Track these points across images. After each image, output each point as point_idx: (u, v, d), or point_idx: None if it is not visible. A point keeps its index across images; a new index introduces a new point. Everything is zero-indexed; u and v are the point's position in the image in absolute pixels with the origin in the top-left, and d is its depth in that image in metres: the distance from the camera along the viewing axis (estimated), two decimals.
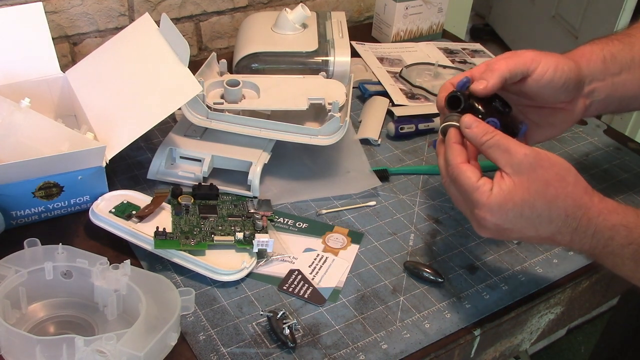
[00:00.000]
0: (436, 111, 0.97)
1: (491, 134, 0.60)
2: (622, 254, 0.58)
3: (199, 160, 0.81)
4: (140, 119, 0.77)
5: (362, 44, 1.17)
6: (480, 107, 0.65)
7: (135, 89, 0.81)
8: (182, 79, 0.78)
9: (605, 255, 0.59)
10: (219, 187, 0.79)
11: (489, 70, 0.65)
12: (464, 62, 1.14)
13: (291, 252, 0.74)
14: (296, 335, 0.63)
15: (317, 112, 0.87)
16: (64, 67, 0.88)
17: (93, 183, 0.75)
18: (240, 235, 0.71)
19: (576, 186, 0.59)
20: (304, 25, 1.03)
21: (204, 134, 0.83)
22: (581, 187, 0.59)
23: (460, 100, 0.65)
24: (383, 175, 0.85)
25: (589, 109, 0.72)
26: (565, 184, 0.58)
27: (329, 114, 0.81)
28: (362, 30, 1.24)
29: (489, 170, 0.62)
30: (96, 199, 0.74)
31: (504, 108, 0.68)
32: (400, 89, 1.04)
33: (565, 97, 0.69)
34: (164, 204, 0.75)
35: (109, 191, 0.76)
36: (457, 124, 0.64)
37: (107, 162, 0.75)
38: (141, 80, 0.82)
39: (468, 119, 0.62)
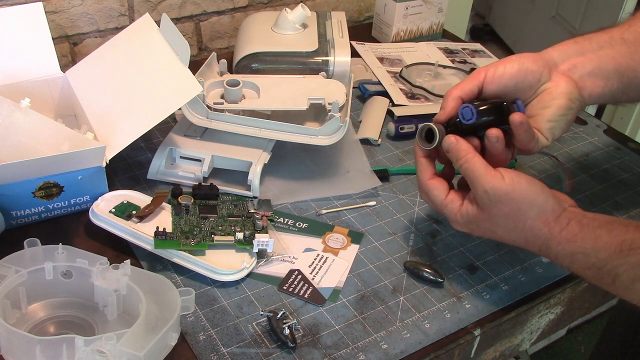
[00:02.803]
0: (436, 111, 0.97)
1: (464, 162, 0.65)
2: (585, 275, 0.62)
3: (199, 160, 0.81)
4: (140, 119, 0.77)
5: (362, 44, 1.17)
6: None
7: (135, 89, 0.81)
8: (182, 79, 0.78)
9: (573, 272, 0.64)
10: (219, 187, 0.79)
11: (444, 100, 0.70)
12: (464, 62, 1.14)
13: (291, 252, 0.74)
14: (296, 335, 0.63)
15: (317, 112, 0.87)
16: (64, 67, 0.88)
17: (93, 183, 0.75)
18: (240, 235, 0.71)
19: (536, 219, 0.62)
20: (304, 25, 1.03)
21: (204, 134, 0.83)
22: (541, 220, 0.62)
23: (434, 134, 0.68)
24: (383, 175, 0.85)
25: (584, 86, 0.70)
26: (524, 218, 0.62)
27: (329, 114, 0.81)
28: (362, 30, 1.24)
29: None
30: (96, 199, 0.74)
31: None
32: (400, 89, 1.04)
33: (534, 78, 0.69)
34: (164, 204, 0.75)
35: (109, 191, 0.76)
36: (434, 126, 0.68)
37: (107, 162, 0.75)
38: (141, 80, 0.82)
39: (448, 141, 0.66)
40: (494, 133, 0.65)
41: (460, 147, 0.65)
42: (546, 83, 0.70)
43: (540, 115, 0.69)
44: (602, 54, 0.71)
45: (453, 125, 0.68)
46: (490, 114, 0.66)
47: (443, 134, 0.67)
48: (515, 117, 0.65)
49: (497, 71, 0.69)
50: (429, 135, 0.68)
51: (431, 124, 0.68)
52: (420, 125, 0.69)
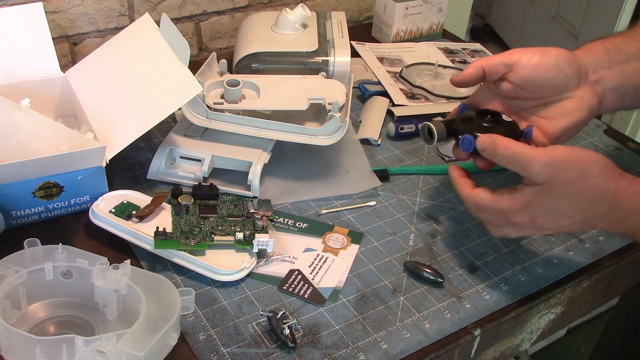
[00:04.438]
0: (436, 111, 0.97)
1: (505, 151, 0.62)
2: None
3: (199, 160, 0.81)
4: (140, 119, 0.77)
5: (362, 44, 1.17)
6: (462, 126, 0.69)
7: (135, 89, 0.81)
8: (182, 79, 0.78)
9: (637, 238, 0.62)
10: (219, 187, 0.79)
11: (469, 66, 0.69)
12: (464, 62, 1.14)
13: (291, 252, 0.74)
14: (296, 335, 0.63)
15: (317, 112, 0.87)
16: (64, 67, 0.88)
17: (93, 183, 0.75)
18: (240, 235, 0.71)
19: (601, 177, 0.60)
20: (304, 25, 1.03)
21: (204, 134, 0.83)
22: (607, 176, 0.60)
23: (432, 132, 0.70)
24: (383, 175, 0.85)
25: (604, 99, 0.71)
26: (587, 178, 0.59)
27: (329, 114, 0.81)
28: (362, 30, 1.24)
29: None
30: (96, 199, 0.74)
31: (495, 118, 0.69)
32: (400, 89, 1.04)
33: (564, 81, 0.68)
34: (164, 204, 0.75)
35: (109, 191, 0.76)
36: (433, 126, 0.70)
37: (107, 162, 0.75)
38: (141, 80, 0.82)
39: (481, 141, 0.65)
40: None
41: (495, 141, 0.63)
42: (573, 91, 0.69)
43: (558, 121, 0.69)
44: (627, 68, 0.70)
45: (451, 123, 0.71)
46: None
47: (443, 130, 0.70)
48: (479, 143, 0.66)
49: (533, 59, 0.67)
50: (431, 133, 0.71)
51: (430, 123, 0.70)
52: (420, 125, 0.71)
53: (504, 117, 0.69)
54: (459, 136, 0.69)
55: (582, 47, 0.72)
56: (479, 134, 0.66)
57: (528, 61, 0.67)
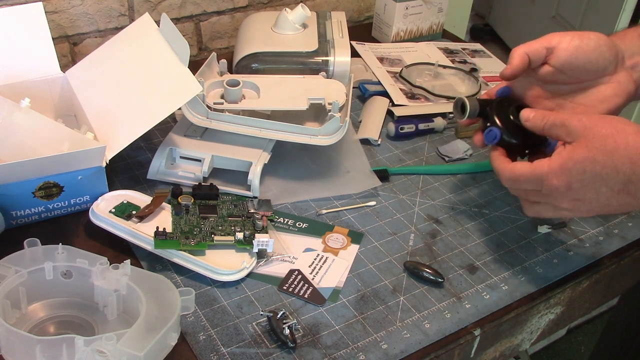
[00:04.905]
0: (436, 111, 0.97)
1: (546, 118, 0.63)
2: None
3: (199, 160, 0.81)
4: (140, 119, 0.77)
5: (362, 44, 1.17)
6: (494, 116, 0.70)
7: (135, 89, 0.81)
8: (182, 79, 0.78)
9: None
10: (219, 187, 0.79)
11: (510, 56, 0.69)
12: (464, 62, 1.14)
13: (291, 252, 0.74)
14: (296, 335, 0.63)
15: (317, 112, 0.87)
16: (64, 67, 0.88)
17: (93, 183, 0.75)
18: (240, 235, 0.71)
19: (637, 134, 0.59)
20: (304, 25, 1.03)
21: (204, 134, 0.83)
22: None
23: (465, 107, 0.71)
24: (383, 175, 0.85)
25: (638, 87, 0.70)
26: (624, 134, 0.59)
27: (329, 114, 0.81)
28: (362, 30, 1.24)
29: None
30: (96, 199, 0.74)
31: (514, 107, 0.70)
32: (400, 89, 1.04)
33: (603, 65, 0.68)
34: (164, 204, 0.75)
35: (109, 191, 0.76)
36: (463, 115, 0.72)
37: (107, 162, 0.75)
38: (141, 80, 0.82)
39: (526, 113, 0.66)
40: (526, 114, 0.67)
41: (537, 114, 0.65)
42: (611, 75, 0.69)
43: (595, 108, 0.69)
44: None
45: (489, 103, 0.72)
46: (513, 141, 0.69)
47: (476, 109, 0.71)
48: (524, 114, 0.67)
49: (573, 42, 0.67)
50: (464, 108, 0.72)
51: (465, 98, 0.71)
52: (456, 99, 0.72)
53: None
54: (487, 124, 0.70)
55: (616, 33, 0.72)
56: (504, 129, 0.68)
57: (568, 44, 0.67)
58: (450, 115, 0.96)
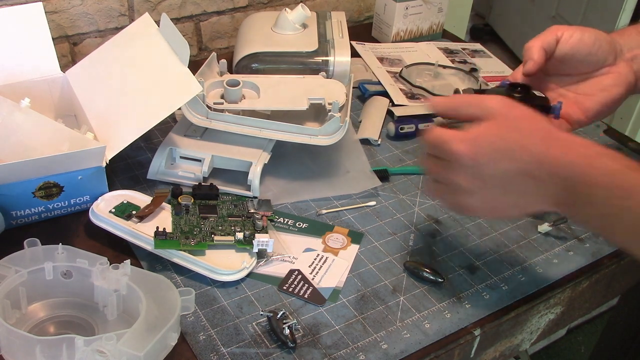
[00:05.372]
0: None
1: (461, 97, 0.63)
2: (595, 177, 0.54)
3: (199, 160, 0.81)
4: (140, 118, 0.77)
5: (362, 44, 1.17)
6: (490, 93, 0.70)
7: (135, 89, 0.81)
8: (182, 78, 0.78)
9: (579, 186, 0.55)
10: (219, 187, 0.79)
11: (528, 51, 0.69)
12: (464, 62, 1.14)
13: (291, 252, 0.74)
14: (296, 335, 0.63)
15: (317, 112, 0.87)
16: (64, 67, 0.88)
17: (93, 183, 0.75)
18: (240, 235, 0.71)
19: (550, 124, 0.58)
20: (304, 25, 1.03)
21: (204, 134, 0.83)
22: (554, 126, 0.58)
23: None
24: (383, 175, 0.85)
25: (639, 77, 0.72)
26: (537, 121, 0.58)
27: (329, 114, 0.81)
28: (362, 30, 1.24)
29: None
30: (96, 199, 0.74)
31: (524, 91, 0.70)
32: (400, 89, 1.04)
33: (603, 56, 0.70)
34: (164, 204, 0.75)
35: (109, 191, 0.76)
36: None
37: (107, 162, 0.75)
38: (141, 80, 0.82)
39: (434, 100, 0.63)
40: None
41: (448, 96, 0.65)
42: (610, 66, 0.71)
43: (596, 96, 0.70)
44: None
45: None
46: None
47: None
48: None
49: (575, 35, 0.69)
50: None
51: (460, 89, 0.73)
52: (454, 89, 0.74)
53: (535, 91, 0.70)
54: None
55: (615, 31, 0.74)
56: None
57: (570, 36, 0.69)
58: None
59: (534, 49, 0.69)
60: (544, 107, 0.68)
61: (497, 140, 0.57)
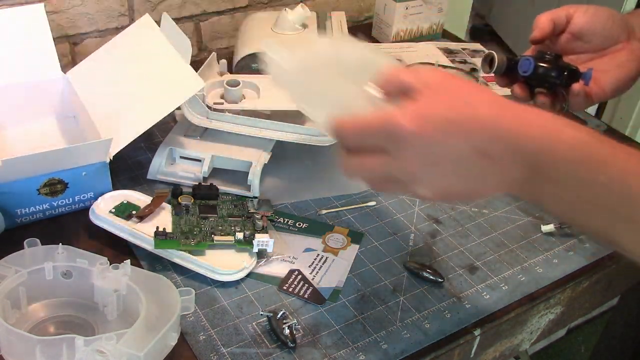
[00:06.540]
0: None
1: (412, 67, 0.62)
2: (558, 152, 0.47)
3: (199, 160, 0.81)
4: (143, 115, 0.77)
5: None
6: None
7: (137, 86, 0.81)
8: (184, 75, 0.78)
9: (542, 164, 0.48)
10: (219, 187, 0.79)
11: (536, 21, 0.72)
12: (464, 62, 1.14)
13: (291, 252, 0.74)
14: (296, 335, 0.63)
15: None
16: (64, 67, 0.88)
17: (97, 179, 0.75)
18: (240, 235, 0.71)
19: (493, 93, 0.50)
20: (304, 25, 1.03)
21: (204, 134, 0.83)
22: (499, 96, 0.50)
23: (493, 62, 0.72)
24: None
25: None
26: (483, 90, 0.50)
27: None
28: (362, 30, 1.24)
29: None
30: (100, 195, 0.74)
31: (552, 56, 0.71)
32: None
33: (617, 32, 0.71)
34: (164, 204, 0.75)
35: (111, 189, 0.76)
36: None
37: (111, 158, 0.75)
38: (143, 77, 0.82)
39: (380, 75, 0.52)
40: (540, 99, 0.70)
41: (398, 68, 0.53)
42: (624, 43, 0.72)
43: (612, 72, 0.71)
44: None
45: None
46: (549, 71, 0.70)
47: (503, 62, 0.72)
48: (575, 87, 0.69)
49: (589, 10, 0.71)
50: (492, 63, 0.72)
51: (494, 52, 0.72)
52: (486, 52, 0.73)
53: (564, 60, 0.71)
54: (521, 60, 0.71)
55: (627, 12, 0.76)
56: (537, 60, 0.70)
57: (585, 11, 0.71)
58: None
59: (543, 18, 0.71)
60: (575, 74, 0.69)
61: (446, 111, 0.47)
